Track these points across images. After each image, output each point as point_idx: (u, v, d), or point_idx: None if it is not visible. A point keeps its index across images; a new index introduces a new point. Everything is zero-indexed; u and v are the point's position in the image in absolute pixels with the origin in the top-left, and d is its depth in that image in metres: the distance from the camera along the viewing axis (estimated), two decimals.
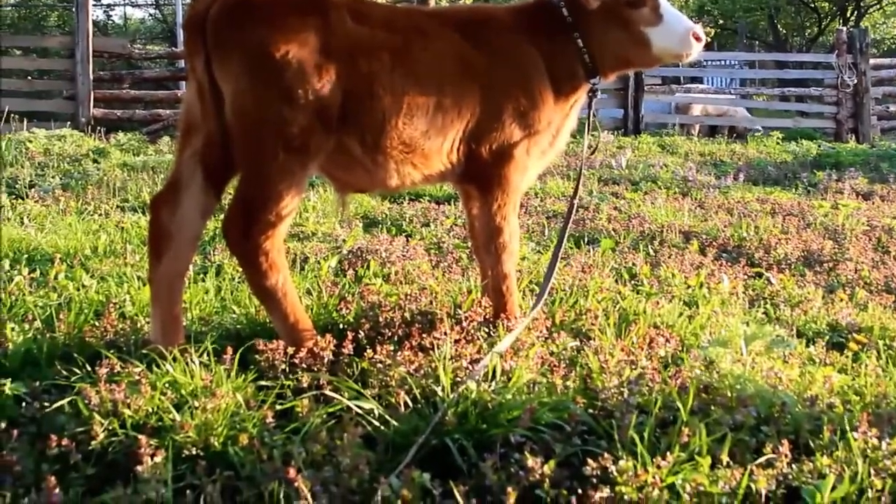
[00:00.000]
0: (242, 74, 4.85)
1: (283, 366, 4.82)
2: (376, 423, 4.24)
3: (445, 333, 5.04)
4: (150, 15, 42.55)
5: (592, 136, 6.29)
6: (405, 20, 5.40)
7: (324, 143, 4.99)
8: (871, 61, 28.17)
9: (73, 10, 22.69)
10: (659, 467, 3.73)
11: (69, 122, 21.04)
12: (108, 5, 43.24)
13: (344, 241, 8.44)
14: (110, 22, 43.31)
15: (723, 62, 36.60)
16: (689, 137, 25.26)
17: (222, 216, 5.04)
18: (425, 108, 5.22)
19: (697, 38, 5.56)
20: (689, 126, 28.42)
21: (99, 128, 20.42)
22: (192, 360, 4.67)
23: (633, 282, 7.42)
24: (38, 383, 4.74)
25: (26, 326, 5.61)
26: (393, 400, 4.42)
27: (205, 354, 4.80)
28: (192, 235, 5.22)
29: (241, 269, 5.62)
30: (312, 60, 4.89)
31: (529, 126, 5.49)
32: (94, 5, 26.56)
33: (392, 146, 5.20)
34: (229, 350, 4.80)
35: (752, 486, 3.75)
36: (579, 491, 3.67)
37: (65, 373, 4.75)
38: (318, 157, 5.02)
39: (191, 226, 5.18)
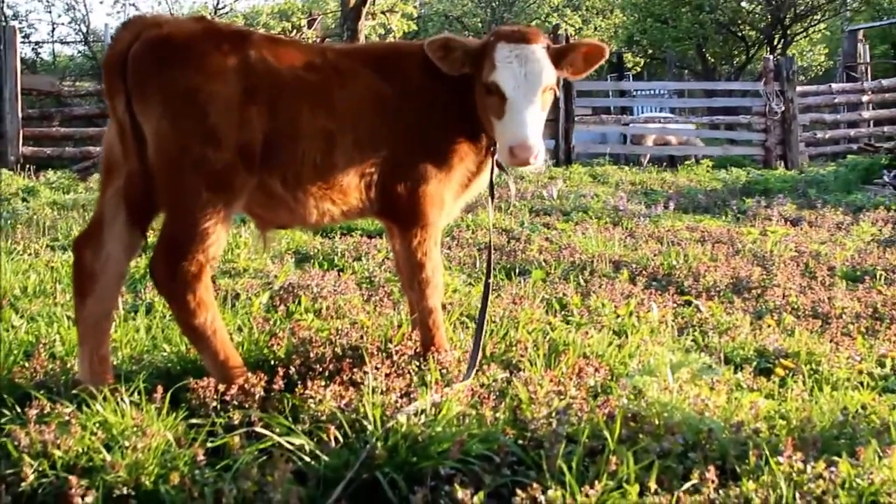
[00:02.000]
0: (164, 114, 4.86)
1: (215, 403, 4.82)
2: (307, 459, 4.25)
3: (376, 368, 5.07)
4: (80, 52, 42.29)
5: (498, 183, 6.29)
6: (322, 58, 5.43)
7: (247, 182, 5.02)
8: (798, 88, 28.59)
9: (1, 47, 22.52)
10: (587, 496, 3.78)
11: None
12: (37, 42, 42.95)
13: (275, 276, 8.44)
14: (39, 59, 42.99)
15: (652, 91, 36.91)
16: (636, 167, 25.56)
17: (150, 255, 5.03)
18: (343, 145, 5.28)
19: (513, 155, 5.24)
20: (640, 156, 28.77)
21: (28, 166, 20.28)
22: (122, 399, 4.66)
23: (563, 312, 7.49)
24: None
25: None
26: (324, 435, 4.43)
27: (135, 393, 4.78)
28: (116, 274, 5.22)
29: (169, 308, 5.57)
30: (234, 100, 4.93)
31: (442, 161, 5.54)
32: (22, 42, 26.33)
33: (311, 183, 5.26)
34: (160, 389, 4.80)
35: None
36: None
37: None
38: (242, 196, 5.05)
39: (115, 265, 5.18)
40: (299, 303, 7.24)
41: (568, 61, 5.58)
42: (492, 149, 5.73)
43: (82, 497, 3.82)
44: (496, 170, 5.87)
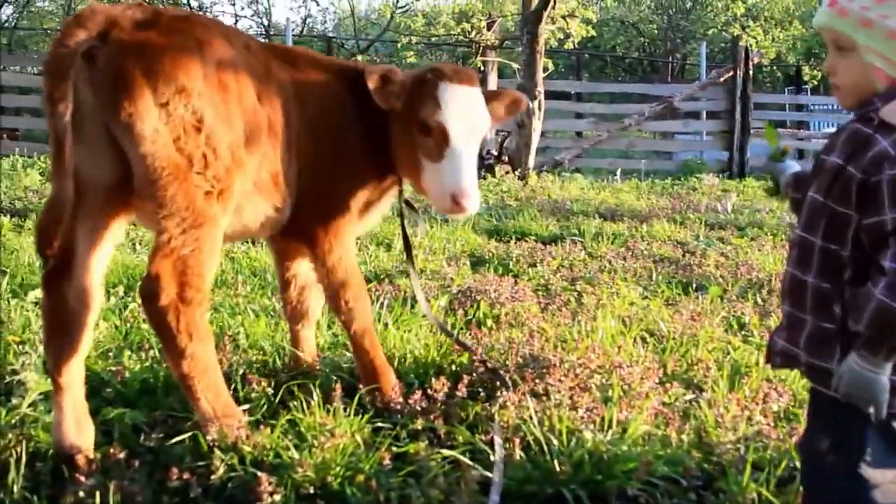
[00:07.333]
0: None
1: (398, 407, 4.85)
2: (489, 472, 4.24)
3: (559, 380, 5.03)
4: None
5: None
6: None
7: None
8: None
9: None
10: None
11: None
12: None
13: (452, 279, 8.44)
14: None
15: (830, 107, 36.16)
16: None
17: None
18: None
19: (456, 203, 4.96)
20: None
21: None
22: (311, 398, 4.72)
23: (742, 332, 7.32)
24: (156, 412, 4.83)
25: (143, 355, 5.70)
26: (508, 446, 4.42)
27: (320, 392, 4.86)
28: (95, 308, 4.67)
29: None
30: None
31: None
32: None
33: None
34: (338, 388, 4.89)
35: None
36: None
37: (182, 403, 4.81)
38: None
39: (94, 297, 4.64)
40: (478, 307, 7.23)
41: (490, 108, 5.33)
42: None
43: (271, 494, 3.87)
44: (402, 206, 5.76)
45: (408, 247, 5.86)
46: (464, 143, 5.02)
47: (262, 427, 4.40)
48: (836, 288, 3.10)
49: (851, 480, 3.07)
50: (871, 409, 2.96)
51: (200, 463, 4.21)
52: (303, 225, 5.18)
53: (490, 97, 5.38)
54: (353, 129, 5.31)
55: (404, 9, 33.44)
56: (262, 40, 6.50)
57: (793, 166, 3.87)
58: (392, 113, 5.20)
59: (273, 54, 5.18)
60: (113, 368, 5.43)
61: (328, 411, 4.64)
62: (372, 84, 5.06)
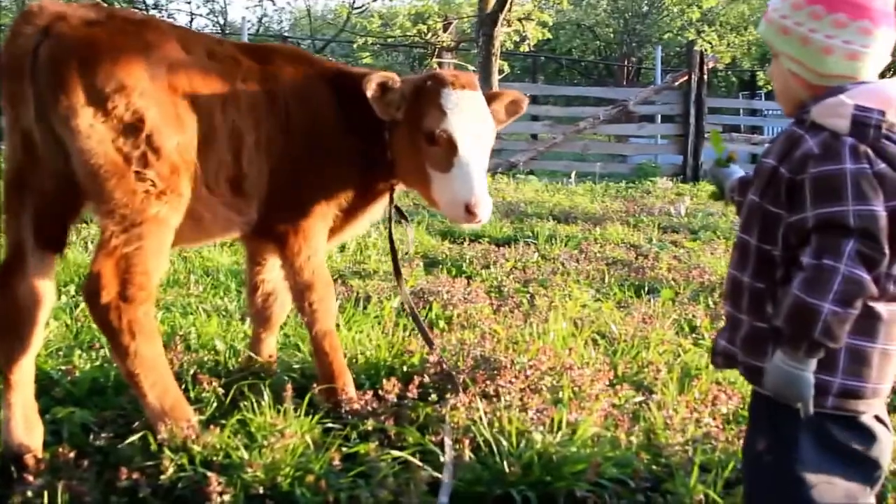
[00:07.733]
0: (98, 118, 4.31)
1: (348, 408, 4.85)
2: (439, 473, 4.25)
3: (510, 382, 5.05)
4: None
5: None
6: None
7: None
8: None
9: None
10: None
11: None
12: None
13: (405, 280, 8.42)
14: None
15: (783, 112, 36.41)
16: None
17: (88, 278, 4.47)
18: None
19: (470, 212, 4.82)
20: None
21: None
22: (262, 398, 4.71)
23: (693, 335, 7.35)
24: (106, 412, 4.81)
25: (93, 354, 5.67)
26: (458, 447, 4.43)
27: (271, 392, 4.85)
28: (47, 304, 4.67)
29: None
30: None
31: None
32: None
33: None
34: (289, 388, 4.86)
35: None
36: None
37: (132, 403, 4.79)
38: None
39: (45, 294, 4.61)
40: (430, 308, 7.24)
41: (491, 111, 5.19)
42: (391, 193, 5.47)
43: (220, 494, 3.87)
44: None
45: (394, 255, 5.81)
46: (472, 149, 4.92)
47: (212, 427, 4.39)
48: (770, 287, 3.16)
49: (787, 479, 3.12)
50: (800, 406, 3.01)
51: (150, 462, 4.20)
52: (273, 224, 5.11)
53: (489, 99, 5.25)
54: (333, 132, 5.21)
55: (361, 10, 33.38)
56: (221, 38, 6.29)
57: (738, 171, 3.94)
58: (391, 123, 5.11)
59: (248, 56, 5.08)
60: (63, 367, 5.41)
61: (279, 411, 4.64)
62: (370, 93, 4.94)
